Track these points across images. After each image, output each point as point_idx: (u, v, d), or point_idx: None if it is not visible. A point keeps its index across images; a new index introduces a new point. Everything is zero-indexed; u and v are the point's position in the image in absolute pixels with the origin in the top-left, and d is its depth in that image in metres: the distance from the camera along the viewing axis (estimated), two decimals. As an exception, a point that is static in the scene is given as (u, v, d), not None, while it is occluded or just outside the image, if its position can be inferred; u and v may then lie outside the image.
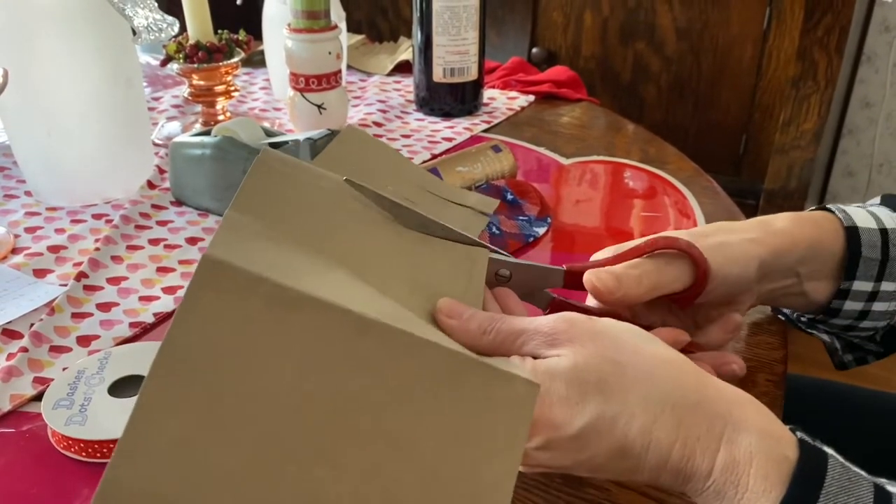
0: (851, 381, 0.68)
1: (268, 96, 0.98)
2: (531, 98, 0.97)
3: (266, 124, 0.88)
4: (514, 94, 0.98)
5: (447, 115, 0.91)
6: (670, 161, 0.79)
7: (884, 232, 0.46)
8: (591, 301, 0.45)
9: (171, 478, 0.26)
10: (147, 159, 0.75)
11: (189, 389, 0.26)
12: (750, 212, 0.51)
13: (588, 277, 0.41)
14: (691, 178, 0.75)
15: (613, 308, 0.44)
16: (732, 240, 0.44)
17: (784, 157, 1.52)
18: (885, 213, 0.48)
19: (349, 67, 1.07)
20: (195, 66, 0.79)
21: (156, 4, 0.67)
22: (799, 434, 0.32)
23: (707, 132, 1.61)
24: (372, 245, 0.39)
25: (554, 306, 0.43)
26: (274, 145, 0.68)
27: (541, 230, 0.65)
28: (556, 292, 0.44)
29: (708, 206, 0.70)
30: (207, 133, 0.69)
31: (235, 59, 0.82)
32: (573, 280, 0.43)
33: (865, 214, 0.48)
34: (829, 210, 0.48)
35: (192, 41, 0.80)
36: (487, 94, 0.98)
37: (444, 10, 0.86)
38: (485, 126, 0.89)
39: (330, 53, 0.82)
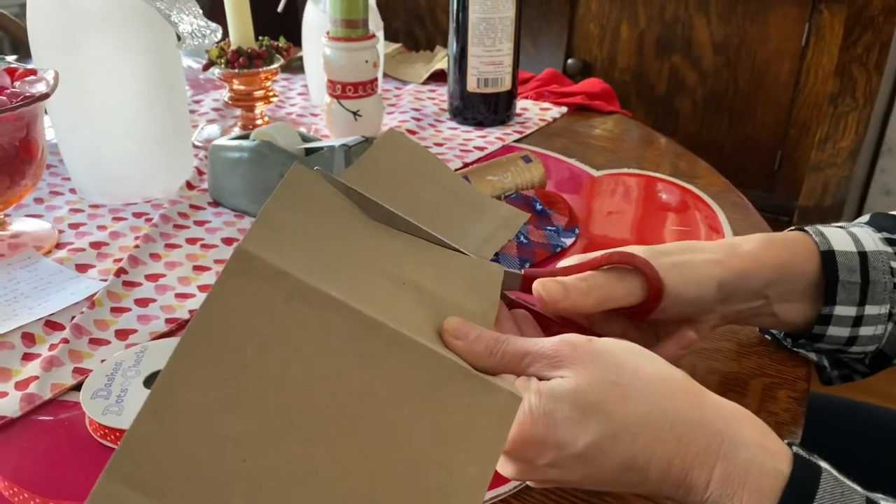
0: (862, 397, 0.68)
1: (305, 102, 1.01)
2: (564, 109, 0.98)
3: (303, 129, 0.90)
4: (546, 105, 0.99)
5: (480, 124, 0.93)
6: (701, 176, 0.80)
7: (863, 255, 0.46)
8: None
9: (187, 437, 0.29)
10: (187, 161, 0.78)
11: (210, 363, 0.29)
12: (783, 229, 0.51)
13: (535, 286, 0.42)
14: (721, 193, 0.76)
15: (568, 316, 0.45)
16: (693, 260, 0.45)
17: (819, 175, 1.51)
18: (866, 234, 0.48)
19: (385, 75, 1.09)
20: (236, 71, 0.81)
21: (200, 11, 0.69)
22: (795, 449, 0.33)
23: (742, 147, 1.60)
24: (389, 259, 0.40)
25: (513, 307, 0.45)
26: (310, 151, 0.70)
27: (568, 241, 0.66)
28: (517, 295, 0.45)
29: (737, 221, 0.70)
30: (246, 137, 0.71)
31: (275, 66, 0.84)
32: (531, 285, 0.43)
33: (844, 236, 0.47)
34: (806, 231, 0.48)
35: (233, 47, 0.82)
36: (520, 104, 0.99)
37: (480, 21, 0.87)
38: (517, 136, 0.90)
39: (367, 62, 0.83)
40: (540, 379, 0.35)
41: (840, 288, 0.46)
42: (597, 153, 0.85)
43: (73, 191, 0.75)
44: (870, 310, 0.47)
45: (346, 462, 0.30)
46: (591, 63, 1.74)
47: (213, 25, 0.71)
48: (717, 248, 0.46)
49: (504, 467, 0.35)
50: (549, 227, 0.66)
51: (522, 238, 0.64)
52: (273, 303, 0.30)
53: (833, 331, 0.47)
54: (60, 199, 0.73)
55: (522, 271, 0.44)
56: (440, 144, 0.87)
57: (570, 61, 1.74)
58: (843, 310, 0.46)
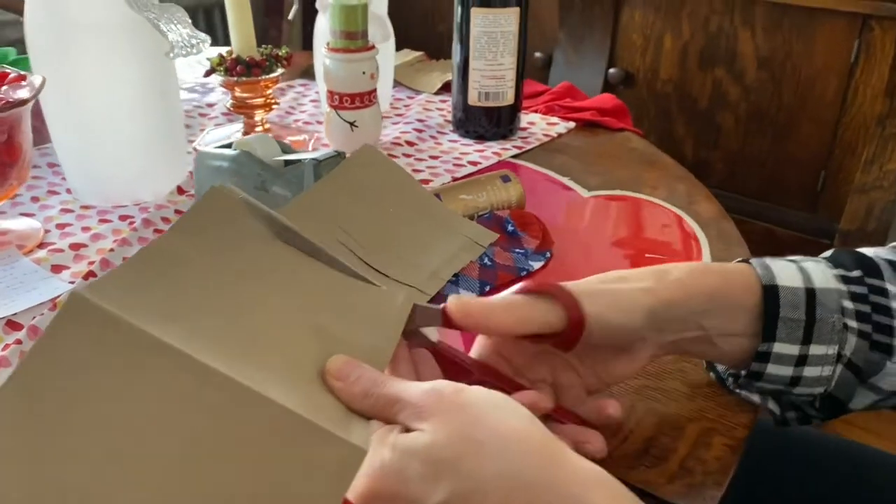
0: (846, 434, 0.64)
1: (315, 109, 1.02)
2: (571, 125, 0.96)
3: (302, 137, 0.91)
4: (554, 119, 0.98)
5: (481, 137, 0.92)
6: (696, 201, 0.77)
7: (811, 291, 0.44)
8: (475, 350, 0.45)
9: (8, 482, 0.29)
10: (179, 166, 0.79)
11: (34, 408, 0.29)
12: (822, 252, 0.48)
13: (452, 301, 0.40)
14: (712, 220, 0.73)
15: (491, 361, 0.44)
16: (620, 288, 0.43)
17: (864, 197, 1.44)
18: (819, 270, 0.45)
19: (398, 84, 1.09)
20: (234, 79, 0.83)
21: (189, 21, 0.71)
22: None
23: (784, 166, 1.55)
24: (292, 295, 0.40)
25: (435, 353, 0.43)
26: (289, 163, 0.70)
27: (536, 264, 0.65)
28: (442, 337, 0.44)
29: (720, 251, 0.67)
30: (230, 146, 0.72)
31: (274, 74, 0.85)
32: (451, 320, 0.42)
33: (793, 271, 0.45)
34: (751, 263, 0.46)
35: (234, 55, 0.84)
36: (528, 118, 0.98)
37: (482, 34, 0.86)
38: (515, 151, 0.88)
39: (364, 73, 0.84)
40: (407, 428, 0.34)
41: (780, 324, 0.44)
42: (593, 172, 0.84)
43: (69, 191, 0.77)
44: (815, 349, 0.44)
45: None
46: (633, 73, 1.70)
47: (202, 35, 0.72)
48: (647, 275, 0.45)
49: None
50: (517, 250, 0.65)
51: (486, 260, 0.63)
52: (105, 349, 0.30)
53: (773, 369, 0.45)
54: (55, 199, 0.76)
55: (442, 306, 0.43)
56: (435, 157, 0.86)
57: (611, 70, 1.71)
58: (784, 347, 0.44)
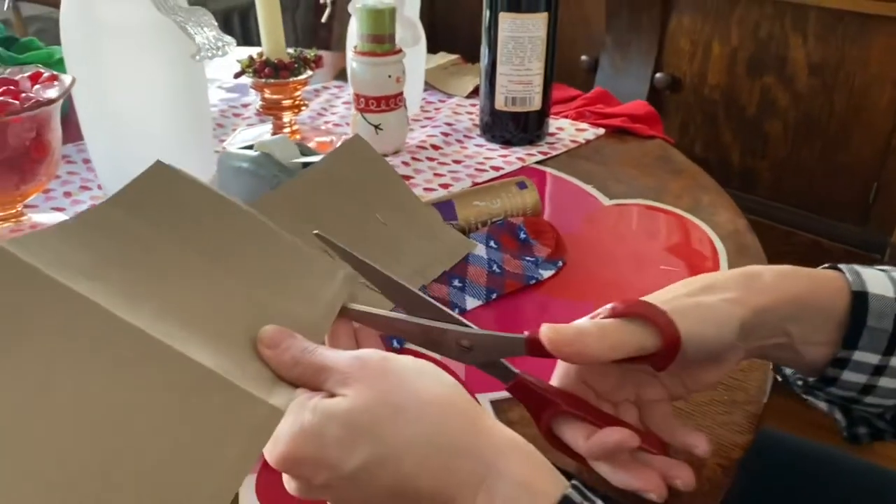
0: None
1: (347, 111, 1.03)
2: (601, 131, 0.95)
3: (329, 139, 0.92)
4: (583, 125, 0.96)
5: (508, 142, 0.91)
6: (719, 213, 0.75)
7: None
8: (556, 378, 0.44)
9: None
10: (206, 165, 0.81)
11: None
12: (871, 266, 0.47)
13: (543, 329, 0.38)
14: (733, 234, 0.71)
15: (574, 388, 0.43)
16: (710, 301, 0.41)
17: (918, 211, 1.39)
18: None
19: (432, 87, 1.09)
20: (262, 80, 0.84)
21: (215, 23, 0.72)
22: (568, 491, 0.32)
23: (834, 176, 1.50)
24: (230, 266, 0.40)
25: (517, 384, 0.41)
26: (307, 165, 0.71)
27: (547, 273, 0.64)
28: (520, 365, 0.42)
29: (737, 265, 0.65)
30: (251, 147, 0.73)
31: (302, 77, 0.86)
32: (536, 348, 0.39)
33: (884, 280, 0.43)
34: (841, 270, 0.44)
35: (264, 57, 0.85)
36: (557, 123, 0.97)
37: (509, 39, 0.86)
38: (541, 157, 0.88)
39: (390, 77, 0.84)
40: (332, 394, 0.34)
41: (865, 332, 0.42)
42: (617, 180, 0.82)
43: (100, 187, 0.80)
44: None
45: (75, 470, 0.29)
46: (680, 79, 1.67)
47: (228, 38, 0.73)
48: (735, 282, 0.42)
49: (287, 484, 0.35)
50: (527, 258, 0.65)
51: (495, 267, 0.63)
52: (19, 299, 0.31)
53: (849, 375, 0.43)
54: (86, 195, 0.78)
55: (526, 335, 0.40)
56: (459, 162, 0.86)
57: (658, 76, 1.69)
58: (865, 356, 0.42)
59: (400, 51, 0.85)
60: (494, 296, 0.61)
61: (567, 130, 0.95)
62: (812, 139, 1.51)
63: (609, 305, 0.41)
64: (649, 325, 0.39)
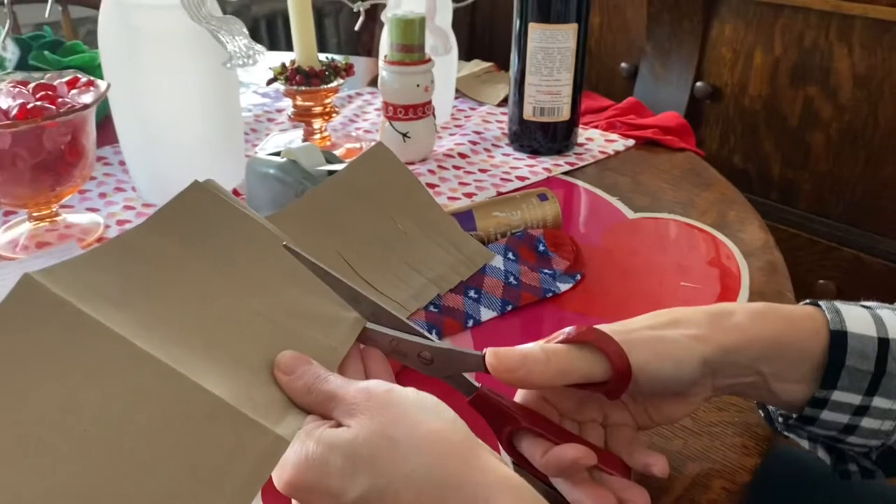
0: None
1: (378, 117, 1.04)
2: (631, 142, 0.94)
3: (359, 145, 0.93)
4: (613, 136, 0.96)
5: (536, 152, 0.91)
6: (747, 229, 0.74)
7: (884, 342, 0.40)
8: (518, 394, 0.44)
9: None
10: (237, 169, 0.83)
11: None
12: None
13: (487, 354, 0.39)
14: (759, 250, 0.70)
15: (536, 405, 0.43)
16: (671, 335, 0.41)
17: (964, 228, 1.35)
18: None
19: (463, 95, 1.10)
20: (293, 88, 0.86)
21: (246, 32, 0.74)
22: None
23: (878, 191, 1.46)
24: (255, 290, 0.42)
25: (477, 398, 0.42)
26: (332, 173, 0.72)
27: (564, 286, 0.64)
28: (484, 380, 0.43)
29: (761, 284, 0.65)
30: (279, 153, 0.75)
31: (333, 85, 0.87)
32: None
33: (867, 318, 0.42)
34: (820, 306, 0.43)
35: (296, 65, 0.87)
36: (587, 133, 0.97)
37: (538, 50, 0.86)
38: (567, 168, 0.88)
39: (418, 86, 0.85)
40: (339, 424, 0.36)
41: (844, 373, 0.41)
42: (644, 193, 0.82)
43: (134, 189, 0.82)
44: (879, 402, 0.41)
45: (93, 486, 0.31)
46: (721, 88, 1.65)
47: (259, 46, 0.75)
48: (702, 319, 0.42)
49: None
50: (545, 270, 0.65)
51: (512, 279, 0.63)
52: (46, 329, 0.33)
53: (829, 416, 0.42)
54: (120, 196, 0.81)
55: (485, 350, 0.41)
56: (484, 171, 0.86)
57: (698, 84, 1.66)
58: (845, 396, 0.41)
59: (429, 60, 0.85)
60: (510, 308, 0.61)
61: (596, 141, 0.95)
62: (855, 152, 1.48)
63: (566, 330, 0.41)
64: (600, 353, 0.40)
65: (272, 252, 0.45)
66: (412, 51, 0.84)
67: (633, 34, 1.78)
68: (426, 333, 0.43)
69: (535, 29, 0.85)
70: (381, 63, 0.86)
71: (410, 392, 0.36)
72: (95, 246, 0.40)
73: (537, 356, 0.39)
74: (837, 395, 0.41)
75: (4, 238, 0.71)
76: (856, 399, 0.41)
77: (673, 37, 1.69)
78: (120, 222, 0.75)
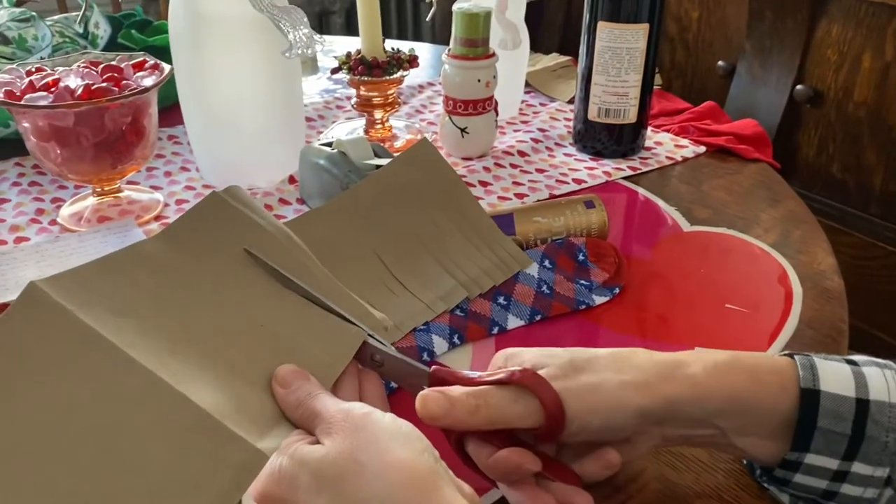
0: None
1: (445, 109, 1.03)
2: (701, 149, 0.90)
3: (416, 137, 0.92)
4: (684, 142, 0.92)
5: (599, 154, 0.89)
6: (808, 250, 0.70)
7: (863, 403, 0.38)
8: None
9: None
10: (296, 156, 0.84)
11: None
12: None
13: (418, 401, 0.39)
14: (818, 274, 0.66)
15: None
16: (607, 383, 0.40)
17: None
18: (883, 378, 0.39)
19: (534, 90, 1.07)
20: (357, 77, 0.86)
21: (307, 21, 0.75)
22: None
23: None
24: (258, 304, 0.43)
25: (433, 378, 0.42)
26: (379, 166, 0.72)
27: (600, 299, 0.62)
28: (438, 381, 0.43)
29: (813, 311, 0.61)
30: (331, 144, 0.75)
31: (396, 76, 0.87)
32: (438, 383, 0.41)
33: (846, 375, 0.39)
34: (794, 359, 0.40)
35: (360, 55, 0.87)
36: (657, 137, 0.93)
37: (606, 49, 0.83)
38: (629, 173, 0.85)
39: (479, 81, 0.84)
40: (317, 441, 0.36)
41: (818, 435, 0.38)
42: (705, 205, 0.78)
43: (199, 169, 0.85)
44: (859, 468, 0.38)
45: (76, 483, 0.33)
46: (823, 92, 1.55)
47: (318, 36, 0.76)
48: (651, 367, 0.41)
49: None
50: (582, 281, 0.63)
51: (545, 288, 0.62)
52: (46, 337, 0.35)
53: (804, 479, 0.40)
54: (183, 176, 0.84)
55: (431, 369, 0.42)
56: (542, 171, 0.85)
57: (798, 87, 1.57)
58: (820, 459, 0.39)
59: (492, 55, 0.84)
60: (539, 318, 0.60)
61: (665, 146, 0.91)
62: (967, 169, 1.36)
63: (512, 368, 0.41)
64: (535, 400, 0.39)
65: (281, 263, 0.46)
66: (476, 45, 0.83)
67: (733, 31, 1.70)
68: (380, 339, 0.44)
69: (604, 27, 0.82)
70: (443, 56, 0.86)
71: (387, 418, 0.36)
72: (111, 252, 0.41)
73: (466, 405, 0.39)
74: (811, 459, 0.39)
75: (69, 210, 0.75)
76: (832, 463, 0.39)
77: (775, 35, 1.61)
78: (179, 202, 0.78)
